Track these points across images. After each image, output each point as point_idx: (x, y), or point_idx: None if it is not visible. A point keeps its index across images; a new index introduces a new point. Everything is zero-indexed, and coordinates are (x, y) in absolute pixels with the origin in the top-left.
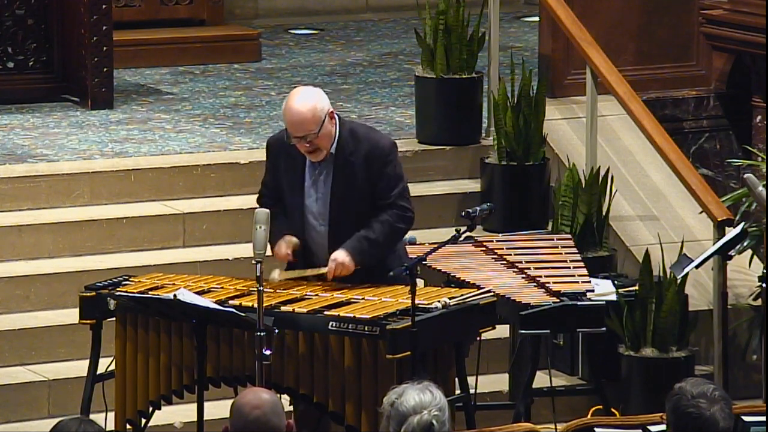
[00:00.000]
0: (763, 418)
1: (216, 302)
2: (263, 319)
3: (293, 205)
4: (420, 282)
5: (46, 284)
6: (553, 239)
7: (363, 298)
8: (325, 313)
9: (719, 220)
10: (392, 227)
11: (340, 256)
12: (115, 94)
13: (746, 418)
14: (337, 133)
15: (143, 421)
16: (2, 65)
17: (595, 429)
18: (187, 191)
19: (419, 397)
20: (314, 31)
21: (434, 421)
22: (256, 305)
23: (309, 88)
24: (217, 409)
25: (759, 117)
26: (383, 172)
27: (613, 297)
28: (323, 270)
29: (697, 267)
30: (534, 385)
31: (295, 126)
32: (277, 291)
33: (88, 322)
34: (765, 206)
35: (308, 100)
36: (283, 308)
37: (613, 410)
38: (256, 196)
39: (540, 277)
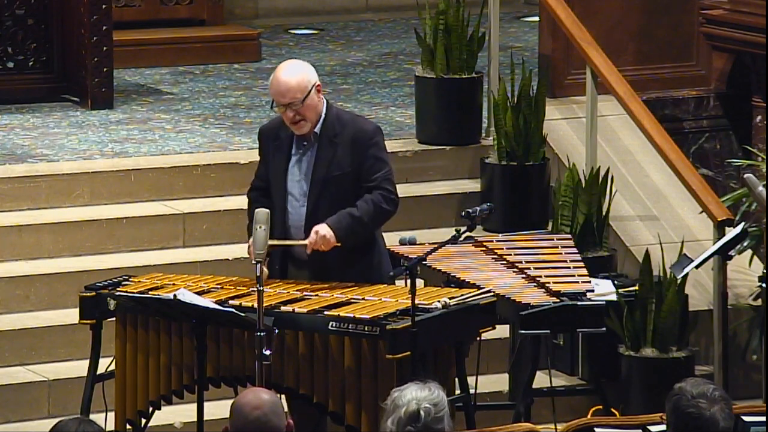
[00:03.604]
0: (763, 418)
1: (216, 302)
2: (263, 319)
3: (277, 185)
4: (420, 282)
5: (46, 284)
6: (553, 239)
7: (363, 298)
8: (325, 313)
9: (719, 220)
10: (377, 207)
11: (322, 229)
12: (115, 94)
13: (746, 418)
14: (324, 114)
15: (143, 421)
16: (2, 65)
17: (595, 429)
18: (187, 191)
19: (416, 392)
20: (314, 31)
21: (422, 412)
22: (256, 305)
23: (298, 60)
24: (217, 409)
25: (759, 117)
26: (367, 154)
27: (613, 297)
28: (304, 242)
29: (697, 267)
30: (534, 385)
31: (281, 93)
32: (278, 291)
33: (88, 322)
34: (765, 206)
35: (294, 69)
36: (283, 308)
37: (613, 410)
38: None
39: (540, 277)
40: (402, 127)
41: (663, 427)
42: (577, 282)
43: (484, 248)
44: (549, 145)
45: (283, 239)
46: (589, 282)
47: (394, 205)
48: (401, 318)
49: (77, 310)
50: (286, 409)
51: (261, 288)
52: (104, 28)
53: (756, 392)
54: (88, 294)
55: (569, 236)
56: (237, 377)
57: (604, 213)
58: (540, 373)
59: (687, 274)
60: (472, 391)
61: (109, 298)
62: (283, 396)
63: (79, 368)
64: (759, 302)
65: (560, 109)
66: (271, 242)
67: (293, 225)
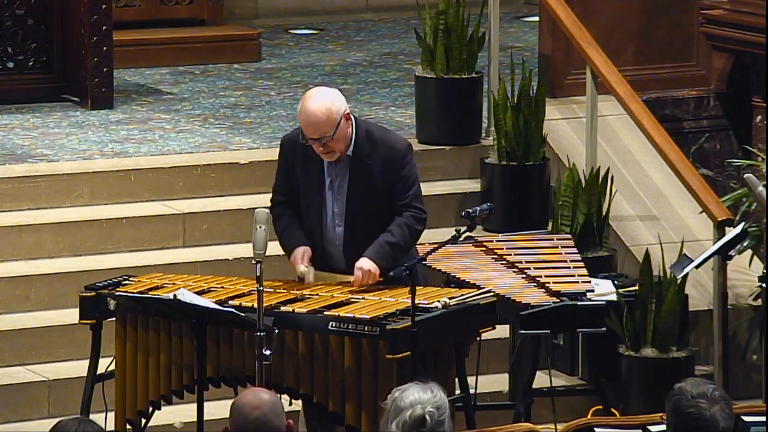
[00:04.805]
0: (763, 418)
1: (216, 302)
2: (263, 319)
3: (311, 205)
4: None
5: (46, 284)
6: (553, 239)
7: (363, 298)
8: (325, 313)
9: (719, 220)
10: (411, 229)
11: (366, 264)
12: (115, 94)
13: (746, 418)
14: (354, 135)
15: (143, 421)
16: (2, 65)
17: (595, 429)
18: (187, 191)
19: (418, 394)
20: (314, 31)
21: (427, 416)
22: (256, 305)
23: (325, 88)
24: (217, 409)
25: (759, 117)
26: (400, 174)
27: (613, 297)
28: (350, 278)
29: (697, 267)
30: (534, 385)
31: (311, 128)
32: (277, 291)
33: (88, 322)
34: (765, 206)
35: (324, 102)
36: (283, 308)
37: (613, 410)
38: (269, 202)
39: (540, 277)
40: (402, 127)
41: (663, 427)
42: (577, 282)
43: (484, 248)
44: (549, 145)
45: (321, 262)
46: (589, 282)
47: (424, 223)
48: (401, 318)
49: (77, 310)
50: (302, 416)
51: (261, 288)
52: (104, 28)
53: (756, 392)
54: (88, 294)
55: (569, 236)
56: (237, 377)
57: (604, 213)
58: (540, 373)
59: (687, 274)
60: (472, 391)
61: (109, 298)
62: (299, 402)
63: (79, 368)
64: (759, 302)
65: (560, 109)
66: (319, 273)
67: (331, 243)
